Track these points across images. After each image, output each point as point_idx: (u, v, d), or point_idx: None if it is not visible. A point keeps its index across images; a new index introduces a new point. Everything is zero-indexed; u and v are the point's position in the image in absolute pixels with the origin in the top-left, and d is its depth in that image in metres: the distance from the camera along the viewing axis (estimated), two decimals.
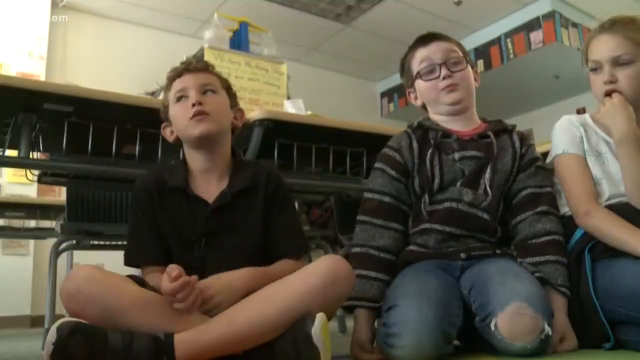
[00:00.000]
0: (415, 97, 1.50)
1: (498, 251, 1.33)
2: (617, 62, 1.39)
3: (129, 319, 1.01)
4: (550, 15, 4.95)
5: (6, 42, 4.37)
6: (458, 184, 1.36)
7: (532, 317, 1.09)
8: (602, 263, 1.27)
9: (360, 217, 1.41)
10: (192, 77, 1.29)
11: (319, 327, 1.00)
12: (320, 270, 1.09)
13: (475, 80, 1.49)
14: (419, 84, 1.46)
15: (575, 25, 5.10)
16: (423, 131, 1.44)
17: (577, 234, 1.36)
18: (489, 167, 1.36)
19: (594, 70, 1.44)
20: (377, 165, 1.44)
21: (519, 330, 1.09)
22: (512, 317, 1.09)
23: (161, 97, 1.39)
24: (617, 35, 1.39)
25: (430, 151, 1.38)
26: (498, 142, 1.40)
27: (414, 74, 1.46)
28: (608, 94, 1.41)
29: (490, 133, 1.41)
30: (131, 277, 1.12)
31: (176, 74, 1.31)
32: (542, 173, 1.42)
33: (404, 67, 1.52)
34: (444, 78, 1.41)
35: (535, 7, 5.08)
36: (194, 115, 1.24)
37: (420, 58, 1.45)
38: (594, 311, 1.22)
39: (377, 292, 1.30)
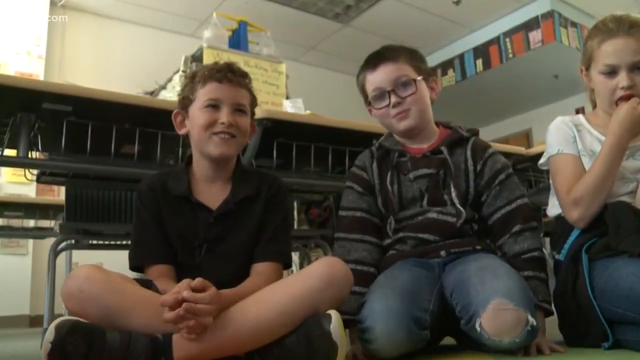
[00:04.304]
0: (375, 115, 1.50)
1: (478, 247, 1.34)
2: (635, 67, 1.35)
3: (129, 319, 1.01)
4: (549, 14, 4.96)
5: (5, 42, 4.37)
6: (424, 203, 1.37)
7: (514, 311, 1.09)
8: (599, 263, 1.27)
9: (337, 235, 1.43)
10: (231, 89, 1.25)
11: (337, 324, 1.01)
12: (318, 272, 1.09)
13: (433, 90, 1.45)
14: (373, 109, 1.46)
15: (574, 24, 5.11)
16: (384, 151, 1.45)
17: (574, 234, 1.36)
18: (451, 184, 1.36)
19: (608, 74, 1.37)
20: (347, 183, 1.46)
21: (504, 326, 1.09)
22: (494, 315, 1.09)
23: (174, 82, 1.35)
24: (636, 39, 1.35)
25: (389, 173, 1.40)
26: (452, 158, 1.39)
27: (368, 98, 1.46)
28: (624, 98, 1.36)
29: (443, 148, 1.40)
30: (137, 280, 1.11)
31: (217, 77, 1.25)
32: (508, 186, 1.38)
33: (359, 87, 1.51)
34: (394, 106, 1.39)
35: (534, 7, 5.09)
36: (221, 133, 1.23)
37: (371, 84, 1.43)
38: (592, 311, 1.23)
39: (355, 304, 1.28)
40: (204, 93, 1.25)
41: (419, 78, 1.41)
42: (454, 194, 1.35)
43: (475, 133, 1.46)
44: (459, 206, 1.34)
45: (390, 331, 1.11)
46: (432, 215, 1.35)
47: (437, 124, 1.48)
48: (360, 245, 1.37)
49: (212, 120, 1.24)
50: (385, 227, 1.40)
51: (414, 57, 1.44)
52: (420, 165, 1.39)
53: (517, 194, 1.38)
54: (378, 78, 1.41)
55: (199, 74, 1.29)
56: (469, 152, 1.40)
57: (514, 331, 1.09)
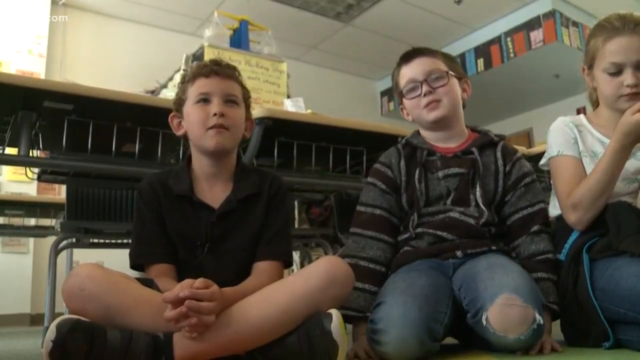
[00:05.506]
0: (407, 114, 1.51)
1: (494, 247, 1.34)
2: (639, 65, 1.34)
3: (130, 318, 1.01)
4: (550, 14, 4.96)
5: (6, 40, 4.38)
6: (448, 201, 1.37)
7: (522, 308, 1.09)
8: (600, 263, 1.27)
9: (352, 230, 1.42)
10: (219, 82, 1.26)
11: (338, 323, 1.01)
12: (319, 271, 1.09)
13: (465, 91, 1.48)
14: (405, 102, 1.48)
15: (575, 24, 5.11)
16: (411, 148, 1.46)
17: (575, 234, 1.36)
18: (477, 184, 1.37)
19: (613, 73, 1.36)
20: (369, 179, 1.46)
21: (510, 322, 1.09)
22: (502, 310, 1.09)
23: (175, 80, 1.37)
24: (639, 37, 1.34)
25: (417, 171, 1.40)
26: (482, 159, 1.41)
27: (401, 95, 1.48)
28: (629, 95, 1.34)
29: (474, 149, 1.42)
30: (138, 279, 1.11)
31: (204, 72, 1.27)
32: (532, 189, 1.40)
33: (394, 83, 1.53)
34: (425, 95, 1.41)
35: (536, 6, 5.08)
36: (214, 127, 1.23)
37: (404, 77, 1.46)
38: (593, 311, 1.23)
39: (363, 303, 1.30)
40: (194, 89, 1.27)
41: (452, 73, 1.44)
42: (478, 194, 1.36)
43: (503, 138, 1.49)
44: (482, 206, 1.35)
45: (404, 339, 1.11)
46: (455, 215, 1.36)
47: (465, 127, 1.50)
48: (375, 244, 1.37)
49: (205, 114, 1.24)
50: (405, 223, 1.39)
51: (448, 57, 1.49)
52: (451, 165, 1.40)
53: (540, 198, 1.41)
54: (412, 70, 1.44)
55: (188, 74, 1.31)
56: (499, 154, 1.43)
57: (520, 328, 1.09)
